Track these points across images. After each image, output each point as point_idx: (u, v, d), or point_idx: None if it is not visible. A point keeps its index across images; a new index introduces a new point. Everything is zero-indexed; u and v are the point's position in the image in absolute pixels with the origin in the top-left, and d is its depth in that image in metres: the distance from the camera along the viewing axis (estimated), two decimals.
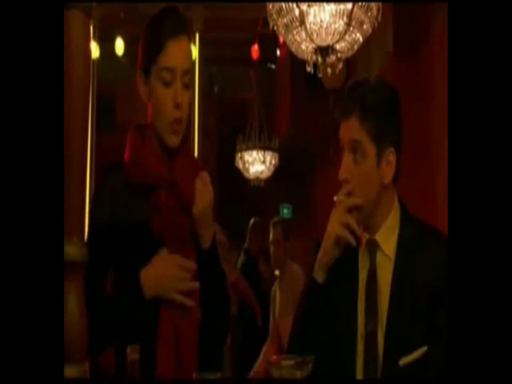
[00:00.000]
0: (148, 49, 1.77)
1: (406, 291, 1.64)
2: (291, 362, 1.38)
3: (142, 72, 1.79)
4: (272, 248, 4.45)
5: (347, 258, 1.73)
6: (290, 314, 2.77)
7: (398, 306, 1.64)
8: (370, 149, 1.66)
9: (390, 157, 1.68)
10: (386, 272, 1.68)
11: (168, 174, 1.78)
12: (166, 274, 1.74)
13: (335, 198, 1.71)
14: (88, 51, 1.33)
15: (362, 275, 1.71)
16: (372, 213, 1.70)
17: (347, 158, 1.68)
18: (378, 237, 1.71)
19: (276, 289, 4.43)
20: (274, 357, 1.40)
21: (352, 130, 1.67)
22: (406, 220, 1.73)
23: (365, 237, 1.72)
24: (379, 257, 1.70)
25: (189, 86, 1.79)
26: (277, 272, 4.54)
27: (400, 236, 1.70)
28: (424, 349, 1.59)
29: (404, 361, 1.60)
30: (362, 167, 1.67)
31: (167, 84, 1.75)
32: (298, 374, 1.37)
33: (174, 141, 1.79)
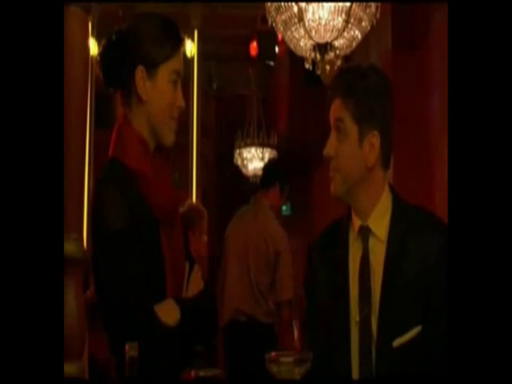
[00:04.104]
0: (162, 47, 1.78)
1: (399, 274, 1.65)
2: (290, 359, 1.38)
3: (143, 67, 1.77)
4: None
5: (338, 246, 1.75)
6: None
7: (391, 289, 1.65)
8: (352, 128, 1.71)
9: (374, 139, 1.71)
10: (379, 256, 1.69)
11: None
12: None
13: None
14: (87, 48, 1.33)
15: (355, 262, 1.72)
16: (360, 196, 1.73)
17: (332, 136, 1.74)
18: (370, 222, 1.73)
19: None
20: (273, 353, 1.39)
21: (336, 108, 1.73)
22: (398, 204, 1.76)
23: (357, 223, 1.74)
24: (372, 242, 1.72)
25: None
26: None
27: (392, 219, 1.73)
28: (418, 329, 1.61)
29: (398, 341, 1.62)
30: (345, 146, 1.72)
31: (175, 84, 1.80)
32: (297, 371, 1.37)
33: (171, 138, 1.81)
